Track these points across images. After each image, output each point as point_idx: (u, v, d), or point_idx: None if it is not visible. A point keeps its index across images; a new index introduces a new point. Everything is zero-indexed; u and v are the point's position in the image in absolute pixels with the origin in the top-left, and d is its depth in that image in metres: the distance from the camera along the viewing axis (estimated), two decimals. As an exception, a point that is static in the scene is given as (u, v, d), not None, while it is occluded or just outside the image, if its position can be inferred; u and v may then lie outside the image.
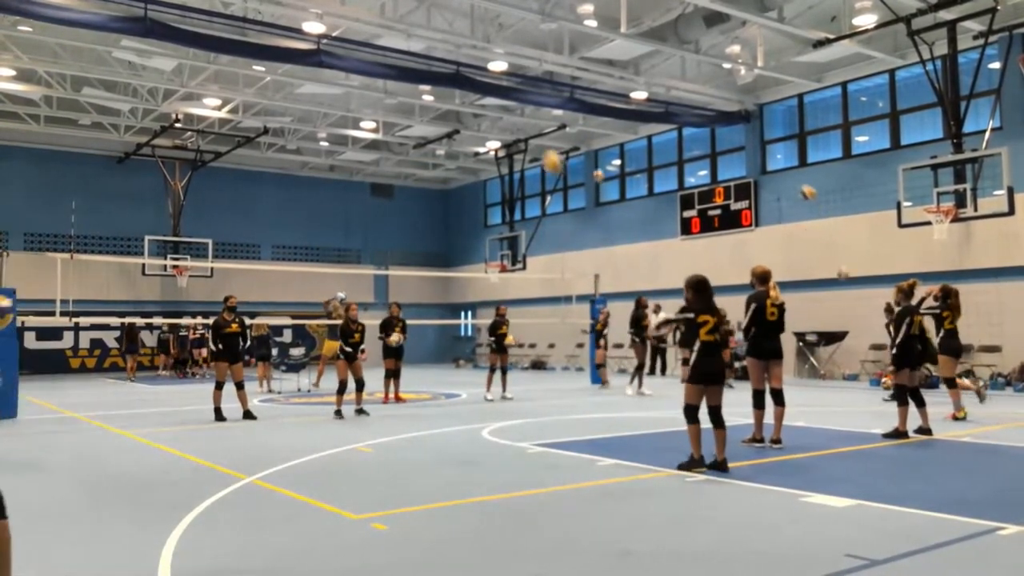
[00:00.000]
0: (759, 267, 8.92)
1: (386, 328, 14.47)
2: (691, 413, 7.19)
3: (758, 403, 8.77)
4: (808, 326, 19.66)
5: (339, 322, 13.09)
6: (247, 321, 12.98)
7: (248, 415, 11.84)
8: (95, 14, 14.76)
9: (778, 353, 8.77)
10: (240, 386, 11.90)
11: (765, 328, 8.64)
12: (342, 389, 12.15)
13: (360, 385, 12.32)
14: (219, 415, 11.65)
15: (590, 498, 6.39)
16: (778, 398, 8.69)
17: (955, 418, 10.75)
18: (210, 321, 13.03)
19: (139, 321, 23.00)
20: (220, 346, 11.76)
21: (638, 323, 17.07)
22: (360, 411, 12.22)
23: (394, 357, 14.49)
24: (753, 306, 8.62)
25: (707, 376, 7.21)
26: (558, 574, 4.49)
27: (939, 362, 11.27)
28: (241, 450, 9.05)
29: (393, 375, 14.49)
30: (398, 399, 14.45)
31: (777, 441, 8.58)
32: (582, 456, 8.25)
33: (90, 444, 9.90)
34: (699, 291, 7.46)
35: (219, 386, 11.92)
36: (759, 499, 6.26)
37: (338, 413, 12.00)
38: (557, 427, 10.82)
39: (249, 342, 13.24)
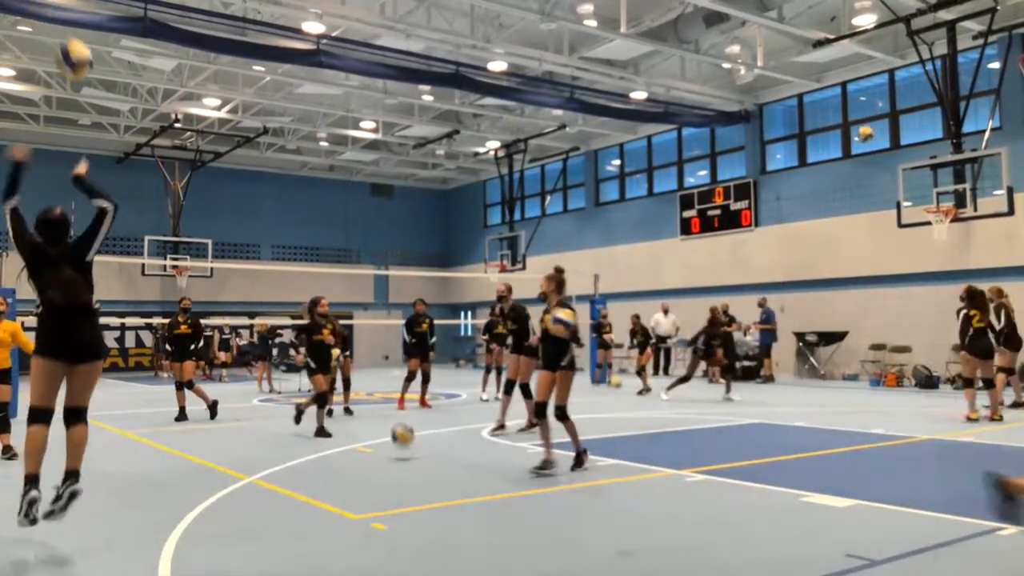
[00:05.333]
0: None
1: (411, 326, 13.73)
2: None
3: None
4: (808, 326, 19.66)
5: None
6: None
7: (182, 413, 11.85)
8: (95, 14, 14.76)
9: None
10: (183, 386, 11.93)
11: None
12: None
13: (334, 387, 11.90)
14: (213, 411, 11.74)
15: (589, 498, 6.39)
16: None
17: (968, 419, 10.67)
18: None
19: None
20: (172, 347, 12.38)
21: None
22: (329, 412, 11.86)
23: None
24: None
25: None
26: (558, 574, 4.49)
27: (962, 360, 11.26)
28: (241, 450, 9.05)
29: (426, 378, 13.73)
30: (422, 403, 13.73)
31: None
32: (582, 456, 8.24)
33: (89, 444, 9.85)
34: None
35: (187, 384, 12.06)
36: (759, 499, 6.26)
37: (330, 412, 11.75)
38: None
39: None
